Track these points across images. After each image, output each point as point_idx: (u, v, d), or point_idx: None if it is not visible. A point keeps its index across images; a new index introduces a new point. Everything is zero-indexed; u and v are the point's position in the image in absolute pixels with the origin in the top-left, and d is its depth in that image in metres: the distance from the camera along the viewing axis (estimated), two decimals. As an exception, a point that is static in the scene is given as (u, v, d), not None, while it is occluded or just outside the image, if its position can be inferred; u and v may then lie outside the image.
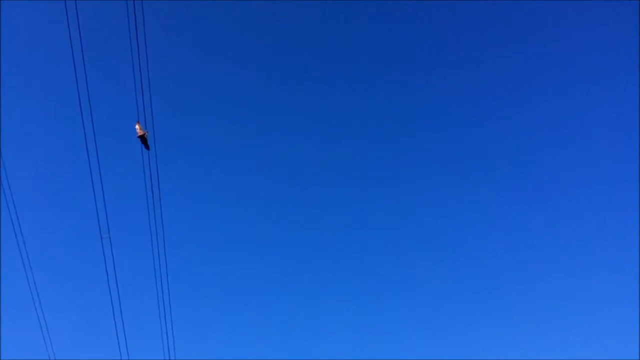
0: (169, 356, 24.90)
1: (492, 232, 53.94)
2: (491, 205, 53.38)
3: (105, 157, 19.93)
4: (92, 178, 19.77)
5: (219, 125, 50.68)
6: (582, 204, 51.42)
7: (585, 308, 50.47)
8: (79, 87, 17.89)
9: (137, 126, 20.16)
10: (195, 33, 47.91)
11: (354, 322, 51.00)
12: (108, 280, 22.53)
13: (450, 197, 53.46)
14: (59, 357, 26.38)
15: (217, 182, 51.41)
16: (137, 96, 18.52)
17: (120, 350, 24.61)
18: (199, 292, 49.92)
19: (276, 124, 52.65)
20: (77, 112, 18.45)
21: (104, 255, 21.70)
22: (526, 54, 50.36)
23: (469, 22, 49.74)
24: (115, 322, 23.98)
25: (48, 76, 41.74)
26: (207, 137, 50.59)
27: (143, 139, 20.20)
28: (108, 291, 22.89)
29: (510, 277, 52.90)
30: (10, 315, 37.75)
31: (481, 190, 53.19)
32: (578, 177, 51.37)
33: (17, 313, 37.49)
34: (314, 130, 53.24)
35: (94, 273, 41.02)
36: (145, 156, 20.17)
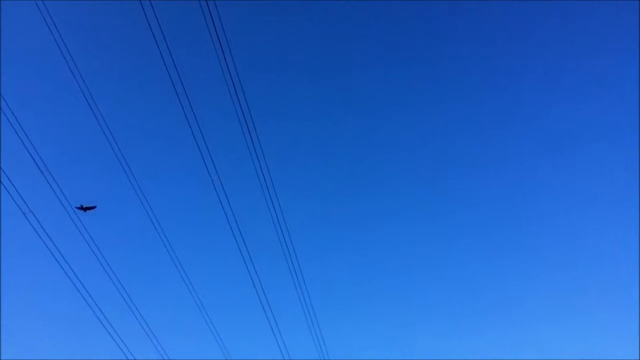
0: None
1: (491, 231, 54.13)
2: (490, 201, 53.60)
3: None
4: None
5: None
6: (583, 201, 51.48)
7: (586, 307, 50.58)
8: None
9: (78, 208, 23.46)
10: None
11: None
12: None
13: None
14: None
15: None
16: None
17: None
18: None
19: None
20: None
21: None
22: (527, 54, 50.42)
23: (469, 22, 49.83)
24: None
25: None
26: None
27: (83, 208, 23.20)
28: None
29: (511, 276, 53.14)
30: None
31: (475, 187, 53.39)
32: (579, 175, 51.39)
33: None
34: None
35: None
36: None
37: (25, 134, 20.24)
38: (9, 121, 19.89)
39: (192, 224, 50.39)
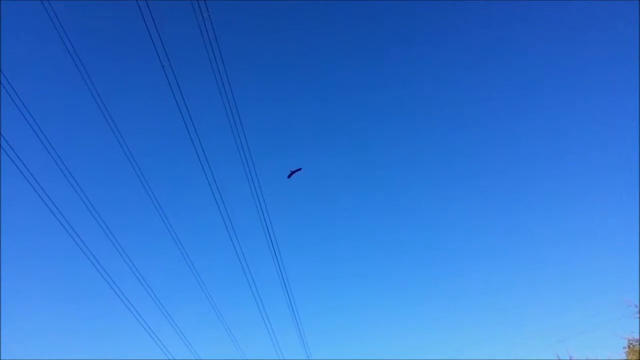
0: None
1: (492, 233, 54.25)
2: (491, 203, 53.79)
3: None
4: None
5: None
6: (584, 201, 51.80)
7: (585, 306, 50.71)
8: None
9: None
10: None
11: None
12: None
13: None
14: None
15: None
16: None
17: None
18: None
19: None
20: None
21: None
22: (527, 54, 50.81)
23: (468, 22, 50.31)
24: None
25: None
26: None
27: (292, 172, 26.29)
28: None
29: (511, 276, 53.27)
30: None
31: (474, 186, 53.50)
32: (579, 175, 51.76)
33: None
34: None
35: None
36: None
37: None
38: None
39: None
